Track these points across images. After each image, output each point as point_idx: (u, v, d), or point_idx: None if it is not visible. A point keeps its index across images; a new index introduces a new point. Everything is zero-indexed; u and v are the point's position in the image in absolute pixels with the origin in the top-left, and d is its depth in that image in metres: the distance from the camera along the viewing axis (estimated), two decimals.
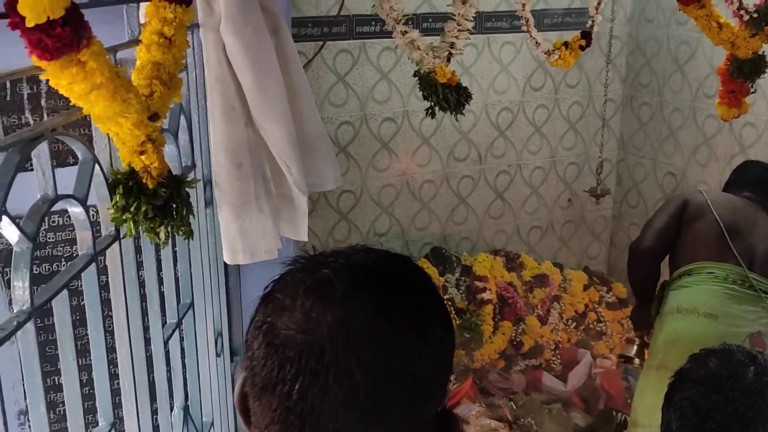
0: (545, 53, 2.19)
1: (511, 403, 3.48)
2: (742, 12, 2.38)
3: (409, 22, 3.41)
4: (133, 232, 1.22)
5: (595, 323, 3.81)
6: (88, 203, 1.18)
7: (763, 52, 2.52)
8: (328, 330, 0.68)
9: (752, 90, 2.63)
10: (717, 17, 2.43)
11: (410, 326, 0.71)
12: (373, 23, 3.38)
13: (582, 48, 2.21)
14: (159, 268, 1.55)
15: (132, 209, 1.20)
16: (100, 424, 1.26)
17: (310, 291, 0.70)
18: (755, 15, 2.36)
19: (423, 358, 0.71)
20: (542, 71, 3.90)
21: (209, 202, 1.78)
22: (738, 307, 2.46)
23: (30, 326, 0.98)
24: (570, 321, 3.75)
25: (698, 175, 3.72)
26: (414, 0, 3.44)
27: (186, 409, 1.66)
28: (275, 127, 1.73)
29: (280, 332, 0.69)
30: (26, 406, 1.97)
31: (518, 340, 3.63)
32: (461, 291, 3.67)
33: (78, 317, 1.60)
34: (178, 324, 1.60)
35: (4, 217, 0.92)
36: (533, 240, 4.17)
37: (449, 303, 3.59)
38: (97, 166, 1.19)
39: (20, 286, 0.97)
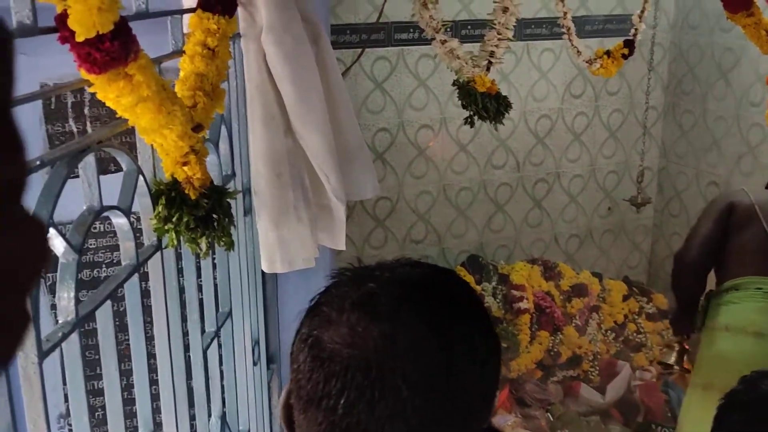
0: (587, 62, 2.17)
1: (548, 414, 3.44)
2: None
3: (448, 30, 3.41)
4: (175, 243, 1.23)
5: (634, 334, 3.74)
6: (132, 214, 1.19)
7: None
8: (374, 345, 0.68)
9: None
10: (766, 25, 2.38)
11: (457, 342, 0.71)
12: (411, 30, 3.38)
13: (625, 57, 2.18)
14: (198, 276, 1.56)
15: (174, 220, 1.21)
16: (139, 431, 1.26)
17: (356, 305, 0.70)
18: None
19: (469, 374, 0.71)
20: (582, 78, 3.86)
21: (248, 211, 1.78)
22: None
23: (75, 337, 0.99)
24: (609, 332, 3.70)
25: (742, 184, 3.63)
26: (453, 7, 3.43)
27: (223, 417, 1.67)
28: (314, 137, 1.74)
29: (326, 346, 0.69)
30: (66, 409, 2.00)
31: (555, 350, 3.59)
32: (498, 300, 3.64)
33: (118, 323, 1.62)
34: (217, 332, 1.60)
35: (52, 230, 0.93)
36: (572, 249, 4.13)
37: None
38: (140, 177, 1.20)
39: (66, 297, 0.98)
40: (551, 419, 3.41)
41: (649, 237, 4.26)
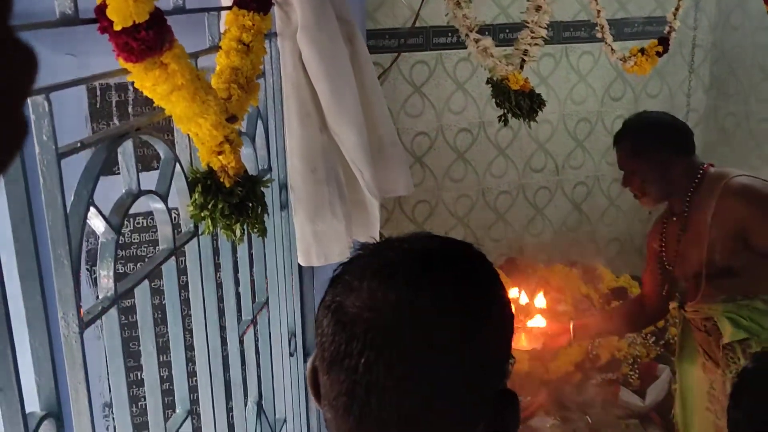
0: (621, 60, 2.17)
1: (587, 417, 3.43)
2: None
3: (486, 32, 3.43)
4: (211, 229, 1.28)
5: (674, 338, 3.70)
6: (171, 206, 1.24)
7: None
8: (392, 309, 0.71)
9: None
10: None
11: (472, 309, 0.74)
12: (449, 34, 3.41)
13: (659, 54, 2.18)
14: (236, 269, 1.61)
15: (210, 207, 1.26)
16: (177, 410, 1.32)
17: (376, 273, 0.74)
18: None
19: (483, 340, 0.74)
20: (621, 81, 3.85)
21: (284, 206, 1.83)
22: None
23: (113, 312, 1.05)
24: (649, 335, 3.66)
25: None
26: (491, 10, 3.46)
27: (260, 405, 1.72)
28: (349, 133, 1.78)
29: (348, 310, 0.73)
30: (110, 398, 2.07)
31: (595, 353, 3.57)
32: None
33: (159, 316, 1.68)
34: (253, 320, 1.65)
35: (92, 209, 0.98)
36: (611, 252, 4.10)
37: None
38: (177, 166, 1.25)
39: (105, 275, 1.04)
40: (590, 422, 3.39)
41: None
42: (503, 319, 0.78)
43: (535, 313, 2.96)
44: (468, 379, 0.73)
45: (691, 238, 2.33)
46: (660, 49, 2.18)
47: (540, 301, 3.09)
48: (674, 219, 2.41)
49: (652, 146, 2.31)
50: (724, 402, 2.43)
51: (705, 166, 2.36)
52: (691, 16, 3.64)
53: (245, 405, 1.66)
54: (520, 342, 2.82)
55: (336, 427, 0.76)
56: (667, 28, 2.19)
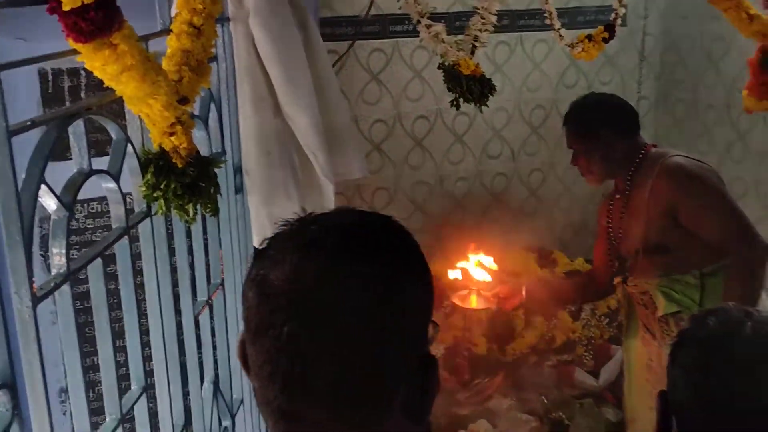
0: (569, 46, 2.23)
1: (543, 397, 3.50)
2: None
3: (442, 20, 3.47)
4: (164, 209, 1.30)
5: None
6: (125, 192, 1.26)
7: None
8: (313, 280, 0.75)
9: None
10: (747, 8, 2.44)
11: (390, 278, 0.78)
12: (406, 22, 3.44)
13: (605, 40, 2.24)
14: (190, 252, 1.63)
15: (162, 187, 1.28)
16: (132, 388, 1.34)
17: (299, 247, 0.78)
18: None
19: (400, 307, 0.77)
20: (575, 69, 3.92)
21: (239, 189, 1.86)
22: None
23: (66, 288, 1.07)
24: (603, 317, 3.75)
25: (733, 171, 3.69)
26: None
27: (216, 385, 1.74)
28: (302, 117, 1.81)
29: (271, 283, 0.76)
30: (66, 384, 2.08)
31: (550, 335, 3.65)
32: None
33: (115, 301, 1.69)
34: (208, 301, 1.68)
35: (44, 186, 1.00)
36: (566, 237, 4.18)
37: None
38: (130, 147, 1.27)
39: (58, 252, 1.06)
40: (546, 402, 3.47)
41: None
42: (422, 288, 0.81)
43: (482, 275, 2.98)
44: (388, 345, 0.76)
45: (631, 216, 2.43)
46: (606, 35, 2.25)
47: (487, 261, 3.10)
48: (618, 197, 2.50)
49: (596, 126, 2.40)
50: (661, 373, 2.53)
51: (647, 146, 2.44)
52: (642, 5, 3.72)
53: (201, 386, 1.69)
54: (472, 303, 2.87)
55: (262, 395, 0.79)
56: (612, 15, 2.26)
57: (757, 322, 1.19)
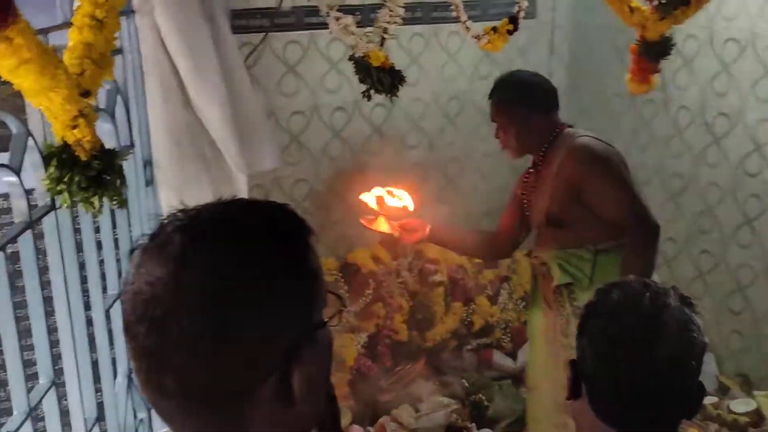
0: (475, 37, 2.30)
1: (463, 380, 3.60)
2: None
3: (357, 12, 3.50)
4: (69, 202, 1.30)
5: None
6: (29, 188, 1.26)
7: (670, 34, 2.67)
8: (162, 285, 0.77)
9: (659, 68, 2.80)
10: (629, 1, 2.57)
11: (242, 277, 0.79)
12: (320, 13, 3.46)
13: (510, 32, 2.32)
14: (99, 246, 1.63)
15: (66, 180, 1.28)
16: (40, 382, 1.34)
17: (155, 248, 0.80)
18: (664, 0, 2.50)
19: (251, 310, 0.78)
20: (488, 60, 4.01)
21: (150, 182, 1.86)
22: None
23: None
24: (519, 300, 3.87)
25: (638, 158, 3.85)
26: None
27: (131, 379, 1.74)
28: (212, 109, 1.83)
29: (135, 282, 0.79)
30: None
31: (469, 320, 3.75)
32: (414, 274, 3.78)
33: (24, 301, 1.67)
34: (119, 295, 1.68)
35: None
36: (485, 225, 4.26)
37: (402, 286, 3.70)
38: (31, 141, 1.27)
39: None
40: (466, 385, 3.56)
41: None
42: (280, 287, 0.81)
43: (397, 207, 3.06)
44: (236, 346, 0.78)
45: (539, 189, 2.57)
46: (511, 27, 2.33)
47: (404, 197, 3.16)
48: (531, 171, 2.65)
49: (514, 101, 2.53)
50: (557, 341, 2.67)
51: (563, 125, 2.58)
52: None
53: (114, 379, 1.69)
54: (379, 226, 2.97)
55: (137, 384, 0.84)
56: (516, 8, 2.34)
57: (654, 293, 1.28)
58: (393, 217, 2.96)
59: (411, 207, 3.00)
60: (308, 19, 3.48)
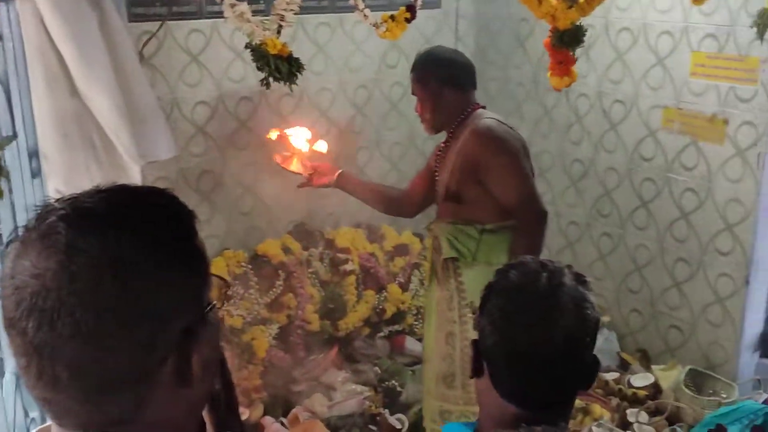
0: (374, 26, 2.32)
1: (376, 367, 3.63)
2: None
3: (261, 1, 3.47)
4: None
5: None
6: None
7: (581, 23, 2.75)
8: (51, 275, 0.76)
9: (576, 58, 2.87)
10: None
11: (128, 264, 0.78)
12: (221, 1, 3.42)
13: (408, 20, 2.35)
14: None
15: None
16: None
17: (38, 238, 0.78)
18: None
19: (145, 294, 0.79)
20: (396, 50, 4.04)
21: (36, 173, 1.80)
22: None
23: None
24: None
25: (541, 145, 3.97)
26: None
27: (18, 375, 1.69)
28: (101, 98, 1.78)
29: (16, 276, 0.77)
30: None
31: (381, 307, 3.79)
32: (325, 264, 3.79)
33: None
34: None
35: None
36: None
37: (313, 276, 3.70)
38: None
39: None
40: (379, 372, 3.60)
41: None
42: (172, 270, 0.82)
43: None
44: (133, 330, 0.78)
45: (444, 164, 2.63)
46: (408, 15, 2.35)
47: (321, 143, 3.29)
48: (443, 145, 2.78)
49: (430, 76, 2.65)
50: (445, 314, 2.76)
51: (476, 105, 2.66)
52: None
53: (2, 377, 1.64)
54: (292, 165, 3.14)
55: (25, 383, 0.81)
56: None
57: (551, 272, 1.33)
58: (306, 158, 3.08)
59: (324, 150, 3.08)
60: (210, 8, 3.43)
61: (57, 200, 0.82)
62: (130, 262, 0.78)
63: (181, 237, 0.85)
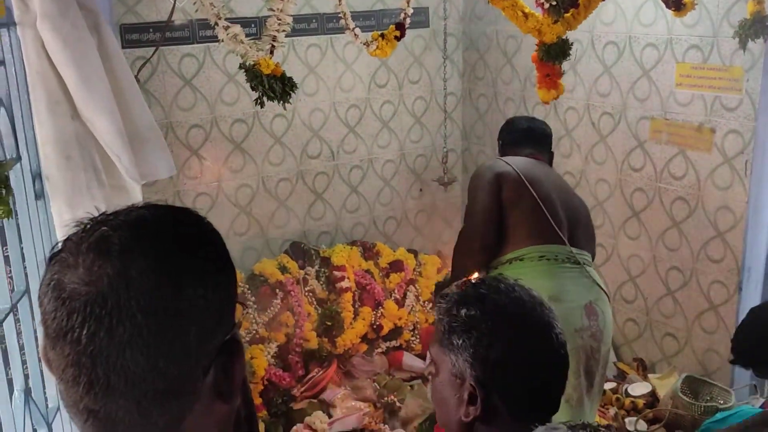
0: (364, 44, 2.37)
1: (375, 383, 3.65)
2: (543, 1, 2.65)
3: (252, 25, 3.52)
4: None
5: None
6: None
7: (566, 36, 2.81)
8: (108, 280, 0.76)
9: (563, 71, 2.92)
10: (522, 7, 2.69)
11: (183, 271, 0.80)
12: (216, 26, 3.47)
13: (397, 38, 2.40)
14: None
15: None
16: None
17: (91, 248, 0.78)
18: (555, 3, 2.64)
19: (195, 298, 0.80)
20: (385, 69, 4.11)
21: (40, 195, 1.83)
22: (572, 283, 2.53)
23: None
24: (426, 302, 3.96)
25: None
26: (257, 3, 3.56)
27: (27, 392, 1.71)
28: (101, 120, 1.82)
29: (66, 287, 0.77)
30: None
31: (378, 323, 3.81)
32: (321, 282, 3.82)
33: None
34: (12, 309, 1.65)
35: None
36: (389, 230, 4.37)
37: (310, 294, 3.73)
38: None
39: None
40: (378, 388, 3.62)
41: (459, 213, 4.58)
42: (216, 277, 0.84)
43: None
44: (186, 336, 0.80)
45: None
46: (398, 33, 2.41)
47: None
48: None
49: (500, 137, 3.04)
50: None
51: (508, 154, 2.83)
52: (442, 7, 3.96)
53: (11, 395, 1.66)
54: None
55: (68, 396, 0.80)
56: (402, 15, 2.43)
57: (509, 287, 1.40)
58: None
59: None
60: (203, 33, 3.50)
61: (102, 214, 0.83)
62: (185, 268, 0.80)
63: (222, 250, 0.87)
